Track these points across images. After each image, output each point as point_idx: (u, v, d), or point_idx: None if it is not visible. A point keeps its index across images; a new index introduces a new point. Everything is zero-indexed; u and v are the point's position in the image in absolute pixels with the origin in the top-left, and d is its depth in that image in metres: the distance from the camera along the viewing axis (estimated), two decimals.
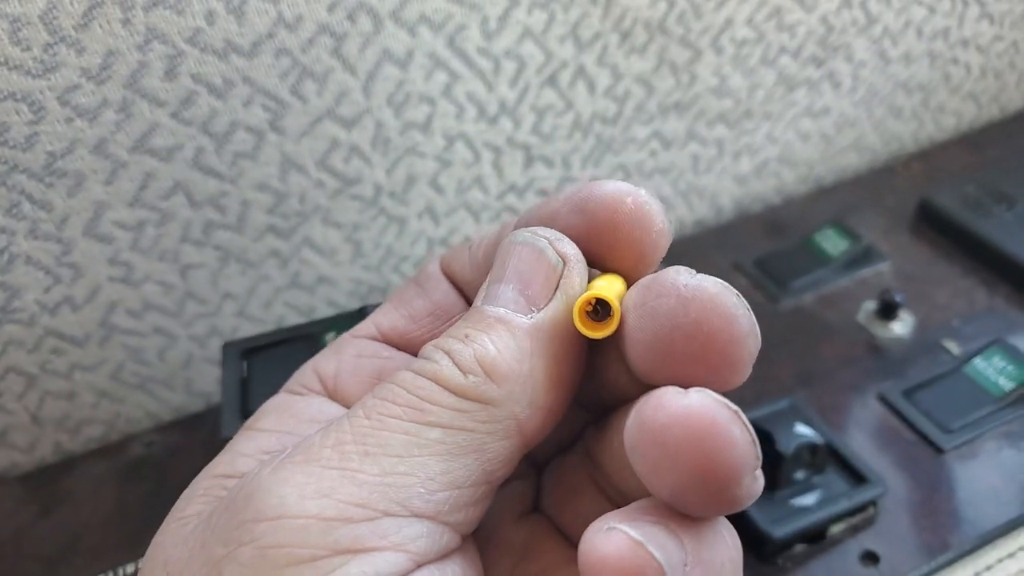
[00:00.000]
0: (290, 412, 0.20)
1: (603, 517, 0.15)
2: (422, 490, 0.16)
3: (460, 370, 0.17)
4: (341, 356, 0.21)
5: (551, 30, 0.40)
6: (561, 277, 0.18)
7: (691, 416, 0.14)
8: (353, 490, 0.15)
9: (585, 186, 0.19)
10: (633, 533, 0.14)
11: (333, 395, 0.21)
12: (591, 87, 0.43)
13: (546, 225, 0.19)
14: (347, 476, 0.16)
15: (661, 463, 0.15)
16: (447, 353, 0.17)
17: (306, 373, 0.21)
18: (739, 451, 0.14)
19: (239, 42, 0.34)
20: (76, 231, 0.35)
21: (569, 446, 0.21)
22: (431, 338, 0.20)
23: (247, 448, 0.19)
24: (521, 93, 0.41)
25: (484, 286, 0.19)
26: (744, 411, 0.15)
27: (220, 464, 0.19)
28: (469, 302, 0.22)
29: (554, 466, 0.21)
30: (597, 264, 0.19)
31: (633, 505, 0.16)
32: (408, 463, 0.16)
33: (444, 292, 0.22)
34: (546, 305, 0.18)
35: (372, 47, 0.37)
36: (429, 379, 0.17)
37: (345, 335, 0.22)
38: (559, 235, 0.18)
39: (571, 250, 0.18)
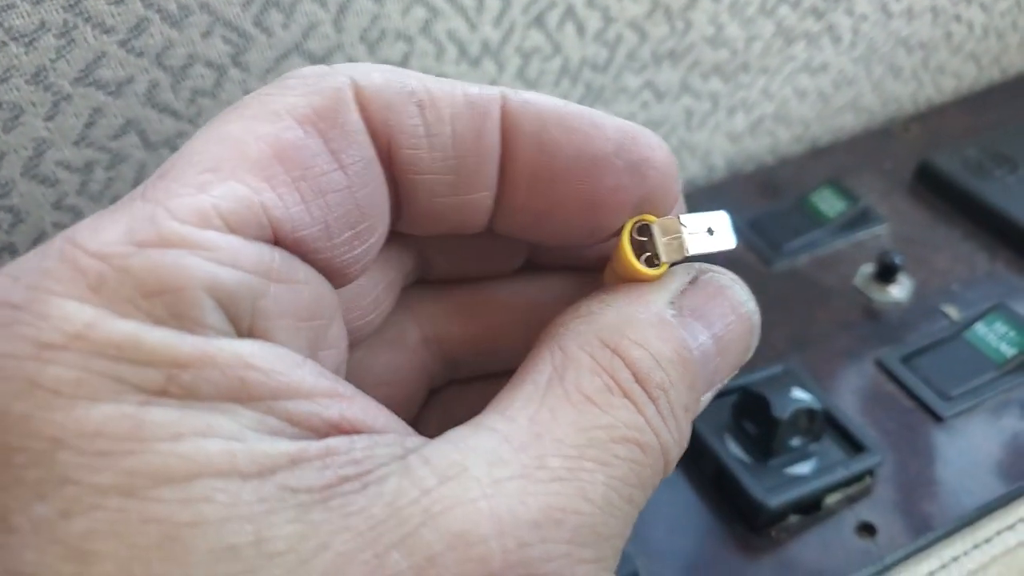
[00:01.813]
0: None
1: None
2: None
3: (678, 459, 0.16)
4: (244, 278, 0.13)
5: None
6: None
7: None
8: None
9: (642, 143, 0.17)
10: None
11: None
12: (581, 30, 0.40)
13: (591, 170, 0.16)
14: None
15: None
16: (680, 433, 0.16)
17: (189, 294, 0.12)
18: None
19: None
20: (14, 171, 0.32)
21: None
22: (342, 268, 0.15)
23: None
24: (506, 33, 0.38)
25: (676, 291, 0.17)
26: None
27: None
28: (416, 201, 0.16)
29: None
30: None
31: None
32: None
33: (370, 175, 0.15)
34: (708, 393, 0.17)
35: None
36: (665, 463, 0.16)
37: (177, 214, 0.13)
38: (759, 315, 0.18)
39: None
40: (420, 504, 0.12)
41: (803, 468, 0.32)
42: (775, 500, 0.30)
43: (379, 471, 0.13)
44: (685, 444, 0.16)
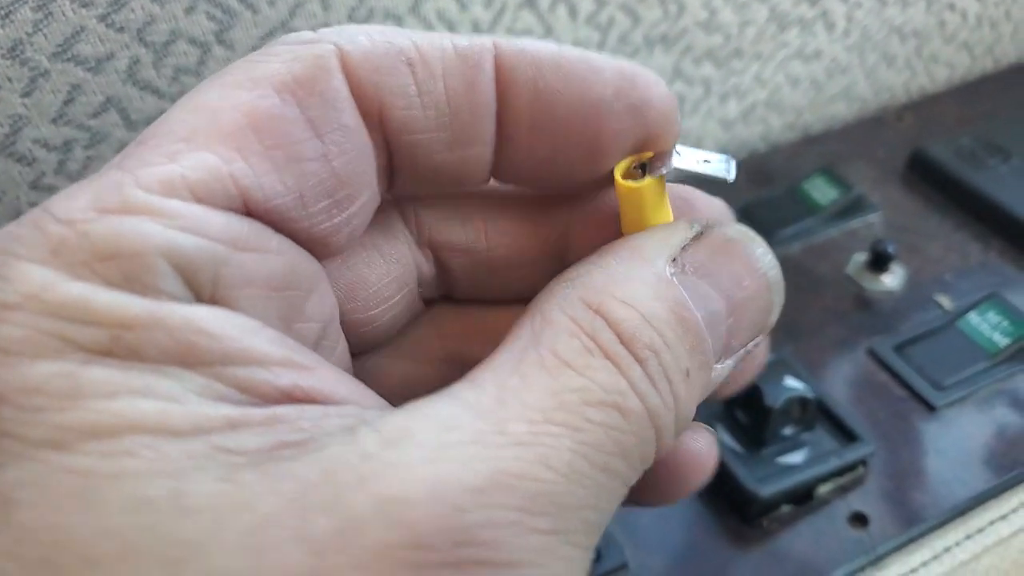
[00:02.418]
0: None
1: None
2: None
3: (676, 429, 0.15)
4: (209, 243, 0.13)
5: None
6: (759, 337, 0.16)
7: None
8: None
9: (641, 84, 0.16)
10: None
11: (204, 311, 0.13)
12: (573, 12, 0.39)
13: (591, 115, 0.16)
14: (584, 556, 0.13)
15: None
16: (675, 399, 0.14)
17: (144, 259, 0.12)
18: None
19: None
20: None
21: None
22: (322, 237, 0.15)
23: None
24: (496, 14, 0.38)
25: (677, 245, 0.15)
26: None
27: None
28: (389, 177, 0.16)
29: None
30: None
31: None
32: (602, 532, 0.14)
33: (351, 142, 0.15)
34: (730, 358, 0.16)
35: None
36: (655, 430, 0.14)
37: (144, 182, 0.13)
38: (781, 275, 0.16)
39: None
40: (356, 470, 0.12)
41: (795, 457, 0.31)
42: (767, 490, 0.30)
43: (323, 439, 0.12)
44: (688, 412, 0.15)
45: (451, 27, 0.37)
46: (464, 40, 0.15)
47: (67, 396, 0.11)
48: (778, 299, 0.16)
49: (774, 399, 0.31)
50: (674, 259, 0.15)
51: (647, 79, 0.16)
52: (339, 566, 0.11)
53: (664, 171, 0.16)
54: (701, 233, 0.16)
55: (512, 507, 0.12)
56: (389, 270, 0.18)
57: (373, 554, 0.11)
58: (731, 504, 0.31)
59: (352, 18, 0.35)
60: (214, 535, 0.11)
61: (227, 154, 0.13)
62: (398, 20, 0.36)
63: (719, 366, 0.15)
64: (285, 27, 0.34)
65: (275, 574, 0.11)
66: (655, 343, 0.14)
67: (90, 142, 0.33)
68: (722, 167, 0.16)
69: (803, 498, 0.31)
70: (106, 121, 0.33)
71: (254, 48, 0.34)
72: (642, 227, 0.16)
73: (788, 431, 0.32)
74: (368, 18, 0.35)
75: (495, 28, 0.38)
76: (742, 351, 0.16)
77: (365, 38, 0.15)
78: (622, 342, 0.14)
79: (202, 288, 0.13)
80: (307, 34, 0.15)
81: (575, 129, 0.16)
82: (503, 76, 0.15)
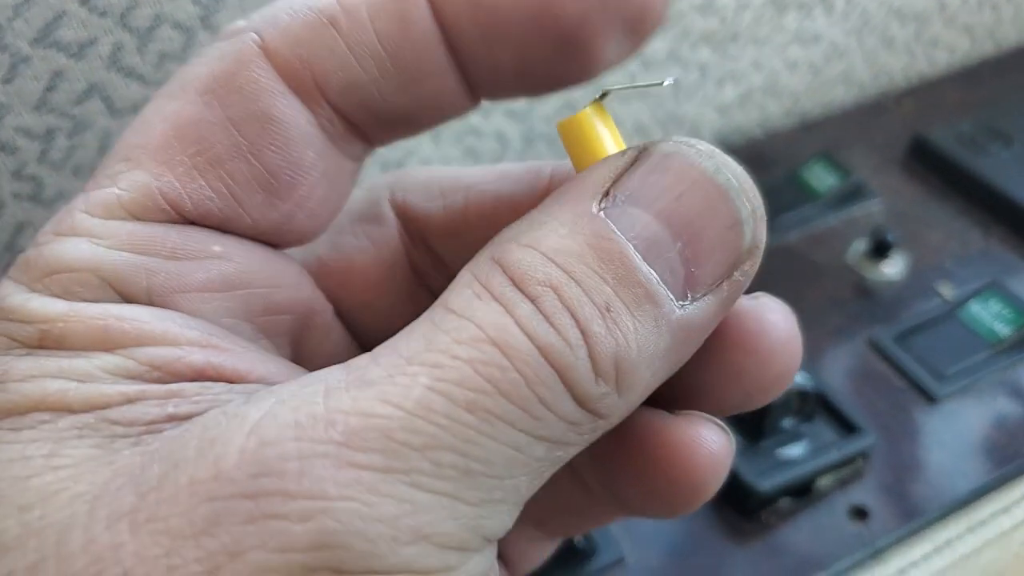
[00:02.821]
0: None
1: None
2: (507, 519, 0.13)
3: (594, 371, 0.12)
4: (131, 246, 0.14)
5: None
6: (743, 262, 0.14)
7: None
8: (451, 528, 0.12)
9: None
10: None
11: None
12: None
13: (545, 3, 0.13)
14: (446, 505, 0.12)
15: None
16: (584, 335, 0.12)
17: (79, 275, 0.14)
18: None
19: None
20: None
21: None
22: (274, 228, 0.15)
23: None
24: None
25: (608, 178, 0.13)
26: None
27: None
28: (359, 137, 0.15)
29: None
30: None
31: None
32: (504, 487, 0.13)
33: (278, 131, 0.14)
34: (706, 294, 0.13)
35: None
36: (555, 371, 0.12)
37: (83, 208, 0.14)
38: (749, 179, 0.14)
39: (765, 231, 0.14)
40: (204, 425, 0.12)
41: (794, 450, 0.31)
42: (766, 483, 0.29)
43: (211, 411, 0.13)
44: (626, 354, 0.13)
45: None
46: None
47: None
48: (745, 208, 0.13)
49: None
50: (605, 193, 0.13)
51: None
52: (156, 502, 0.12)
53: (597, 96, 0.14)
54: (636, 157, 0.14)
55: (326, 440, 0.11)
56: (379, 255, 0.18)
57: (181, 489, 0.12)
58: (729, 497, 0.30)
59: None
60: (67, 486, 0.12)
61: (156, 169, 0.14)
62: None
63: (690, 304, 0.13)
64: None
65: (103, 514, 0.12)
66: (553, 278, 0.12)
67: (73, 130, 0.32)
68: (657, 81, 0.15)
69: (802, 491, 0.30)
70: (90, 109, 0.32)
71: None
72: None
73: (787, 423, 0.31)
74: None
75: None
76: (726, 285, 0.14)
77: (285, 13, 0.14)
78: (513, 283, 0.13)
79: (135, 297, 0.14)
80: (236, 25, 0.15)
81: (531, 26, 0.13)
82: None
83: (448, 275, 0.19)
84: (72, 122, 0.32)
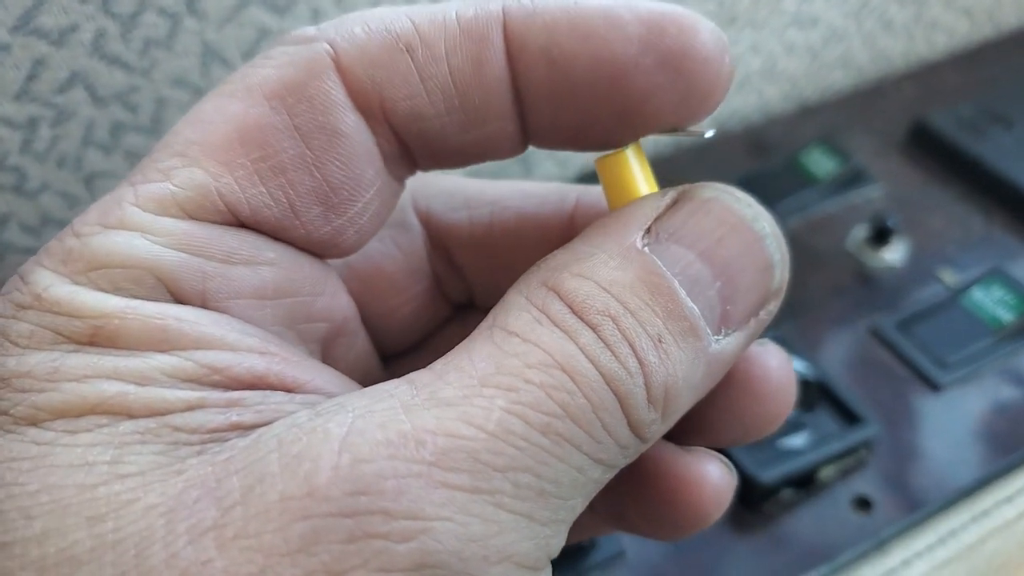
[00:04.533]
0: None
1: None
2: (563, 539, 0.13)
3: (648, 399, 0.13)
4: (190, 253, 0.14)
5: None
6: (769, 302, 0.15)
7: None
8: (529, 548, 0.12)
9: (672, 31, 0.14)
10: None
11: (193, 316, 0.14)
12: None
13: (615, 77, 0.14)
14: (524, 526, 0.12)
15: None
16: (641, 364, 0.13)
17: (132, 272, 0.13)
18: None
19: None
20: None
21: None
22: (325, 241, 0.15)
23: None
24: None
25: (650, 215, 0.14)
26: None
27: None
28: (409, 161, 0.16)
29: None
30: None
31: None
32: (566, 507, 0.13)
33: (343, 146, 0.14)
34: (736, 330, 0.14)
35: None
36: (616, 397, 0.13)
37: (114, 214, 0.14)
38: (778, 228, 0.15)
39: (788, 274, 0.15)
40: (279, 438, 0.12)
41: (796, 441, 0.30)
42: (768, 475, 0.29)
43: (276, 422, 0.12)
44: (673, 383, 0.13)
45: None
46: (470, 10, 0.14)
47: (48, 379, 0.12)
48: (777, 254, 0.14)
49: None
50: (647, 230, 0.14)
51: (681, 24, 0.14)
52: (242, 517, 0.11)
53: (638, 139, 0.15)
54: (675, 199, 0.14)
55: (420, 460, 0.12)
56: (406, 261, 0.18)
57: (272, 506, 0.11)
58: None
59: None
60: (138, 496, 0.12)
61: (215, 169, 0.14)
62: None
63: (723, 339, 0.14)
64: None
65: (183, 528, 0.11)
66: (611, 308, 0.13)
67: (56, 119, 0.31)
68: (698, 129, 0.15)
69: (805, 482, 0.30)
70: (72, 97, 0.31)
71: (227, 19, 0.32)
72: (625, 203, 0.15)
73: (790, 413, 0.30)
74: None
75: None
76: (752, 322, 0.14)
77: (361, 29, 0.14)
78: (573, 311, 0.13)
79: (190, 299, 0.14)
80: (306, 32, 0.14)
81: (599, 93, 0.14)
82: (513, 46, 0.14)
83: (466, 284, 0.19)
84: (55, 111, 0.31)
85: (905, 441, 0.32)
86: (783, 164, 0.44)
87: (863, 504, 0.30)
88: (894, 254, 0.39)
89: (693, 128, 0.15)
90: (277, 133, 0.14)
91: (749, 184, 0.42)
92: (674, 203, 0.14)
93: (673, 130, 0.15)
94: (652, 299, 0.13)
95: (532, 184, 0.19)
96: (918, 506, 0.29)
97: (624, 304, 0.13)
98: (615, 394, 0.13)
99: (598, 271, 0.13)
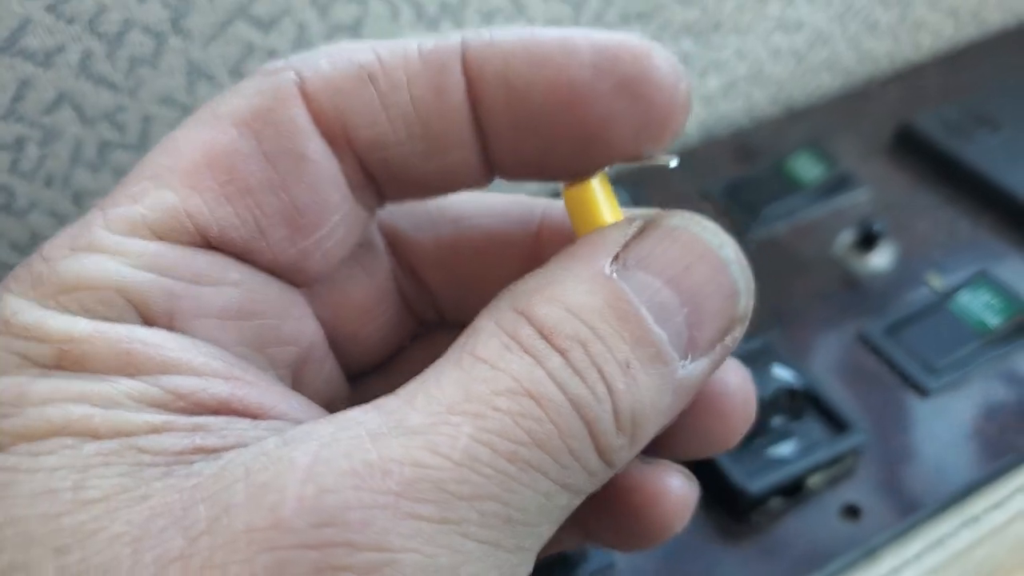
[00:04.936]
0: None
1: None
2: (531, 567, 0.14)
3: (616, 424, 0.13)
4: (159, 274, 0.14)
5: None
6: (734, 329, 0.15)
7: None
8: None
9: (626, 57, 0.14)
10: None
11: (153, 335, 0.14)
12: None
13: (572, 103, 0.14)
14: (490, 555, 0.12)
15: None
16: (609, 390, 0.13)
17: (100, 293, 0.13)
18: None
19: None
20: None
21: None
22: (291, 263, 0.15)
23: None
24: None
25: (618, 242, 0.14)
26: None
27: None
28: (375, 191, 0.16)
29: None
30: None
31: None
32: (533, 535, 0.13)
33: (309, 170, 0.15)
34: (702, 356, 0.14)
35: None
36: (584, 423, 0.13)
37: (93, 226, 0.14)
38: (743, 256, 0.15)
39: (752, 302, 0.15)
40: (246, 466, 0.12)
41: (784, 449, 0.31)
42: (756, 484, 0.29)
43: (239, 447, 0.13)
44: (640, 408, 0.13)
45: (418, 7, 0.35)
46: (430, 42, 0.15)
47: (13, 404, 0.12)
48: (742, 281, 0.15)
49: (762, 390, 0.30)
50: (615, 257, 0.14)
51: (635, 51, 0.14)
52: (208, 547, 0.11)
53: (604, 169, 0.15)
54: (643, 226, 0.15)
55: (385, 491, 0.12)
56: (373, 284, 0.18)
57: (238, 536, 0.11)
58: (719, 499, 0.30)
59: (315, 2, 0.33)
60: (103, 524, 0.12)
61: (184, 192, 0.14)
62: (362, 2, 0.34)
63: (689, 363, 0.14)
64: (245, 13, 0.32)
65: (150, 558, 0.11)
66: (580, 334, 0.13)
67: (44, 139, 0.31)
68: (662, 157, 0.15)
69: (793, 491, 0.30)
70: (60, 118, 0.31)
71: (213, 37, 0.32)
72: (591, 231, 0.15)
73: (776, 422, 0.31)
74: (331, 1, 0.33)
75: (464, 8, 0.36)
76: (718, 348, 0.15)
77: (326, 61, 0.15)
78: (542, 336, 0.13)
79: (157, 319, 0.14)
80: (275, 64, 0.15)
81: (559, 120, 0.14)
82: (472, 74, 0.15)
83: (434, 301, 0.19)
84: (42, 131, 0.31)
85: (894, 447, 0.32)
86: (769, 170, 0.44)
87: (852, 512, 0.30)
88: (881, 259, 0.39)
89: (657, 157, 0.15)
90: (245, 157, 0.14)
91: (735, 191, 0.42)
92: (641, 231, 0.15)
93: (636, 158, 0.15)
94: (620, 324, 0.13)
95: (497, 197, 0.19)
96: (907, 513, 0.30)
97: (594, 329, 0.13)
98: (583, 420, 0.13)
99: (568, 296, 0.13)
